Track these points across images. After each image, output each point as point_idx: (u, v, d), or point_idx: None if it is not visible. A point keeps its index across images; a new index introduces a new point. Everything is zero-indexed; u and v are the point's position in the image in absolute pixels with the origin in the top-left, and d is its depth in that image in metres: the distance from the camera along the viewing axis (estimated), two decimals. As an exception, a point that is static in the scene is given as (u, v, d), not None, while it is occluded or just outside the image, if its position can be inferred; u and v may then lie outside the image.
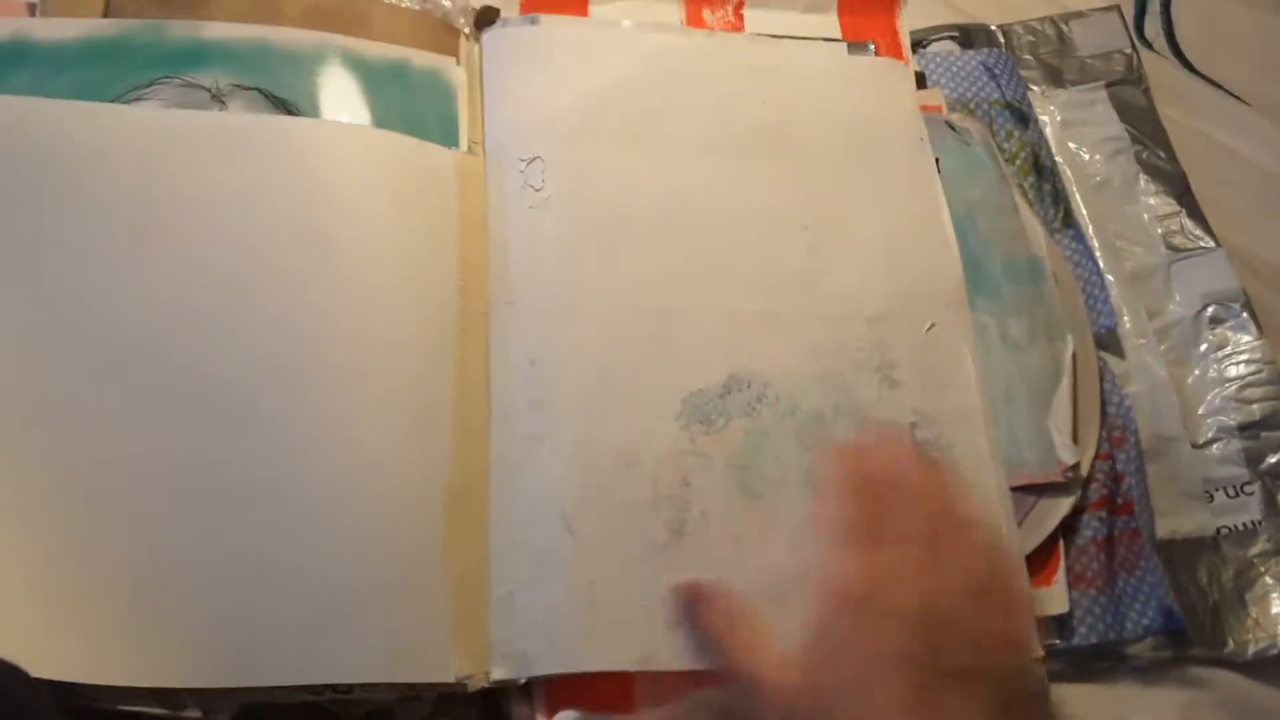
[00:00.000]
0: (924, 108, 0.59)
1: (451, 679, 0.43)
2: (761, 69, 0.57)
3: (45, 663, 0.39)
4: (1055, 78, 0.67)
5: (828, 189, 0.54)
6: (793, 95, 0.56)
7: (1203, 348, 0.58)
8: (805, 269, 0.52)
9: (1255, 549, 0.53)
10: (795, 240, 0.52)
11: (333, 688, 0.42)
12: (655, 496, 0.46)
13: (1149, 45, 0.70)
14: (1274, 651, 0.50)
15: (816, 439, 0.48)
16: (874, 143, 0.56)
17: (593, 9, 0.60)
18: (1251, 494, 0.54)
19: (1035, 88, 0.66)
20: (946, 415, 0.49)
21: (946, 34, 0.66)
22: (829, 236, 0.52)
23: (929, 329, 0.51)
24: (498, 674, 0.43)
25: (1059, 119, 0.65)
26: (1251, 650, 0.50)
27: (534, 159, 0.52)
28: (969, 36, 0.67)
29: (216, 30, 0.52)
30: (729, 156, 0.54)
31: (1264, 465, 0.55)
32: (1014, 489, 0.50)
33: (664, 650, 0.43)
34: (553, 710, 0.43)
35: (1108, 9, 0.69)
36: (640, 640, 0.43)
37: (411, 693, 0.44)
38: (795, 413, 0.48)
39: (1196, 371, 0.58)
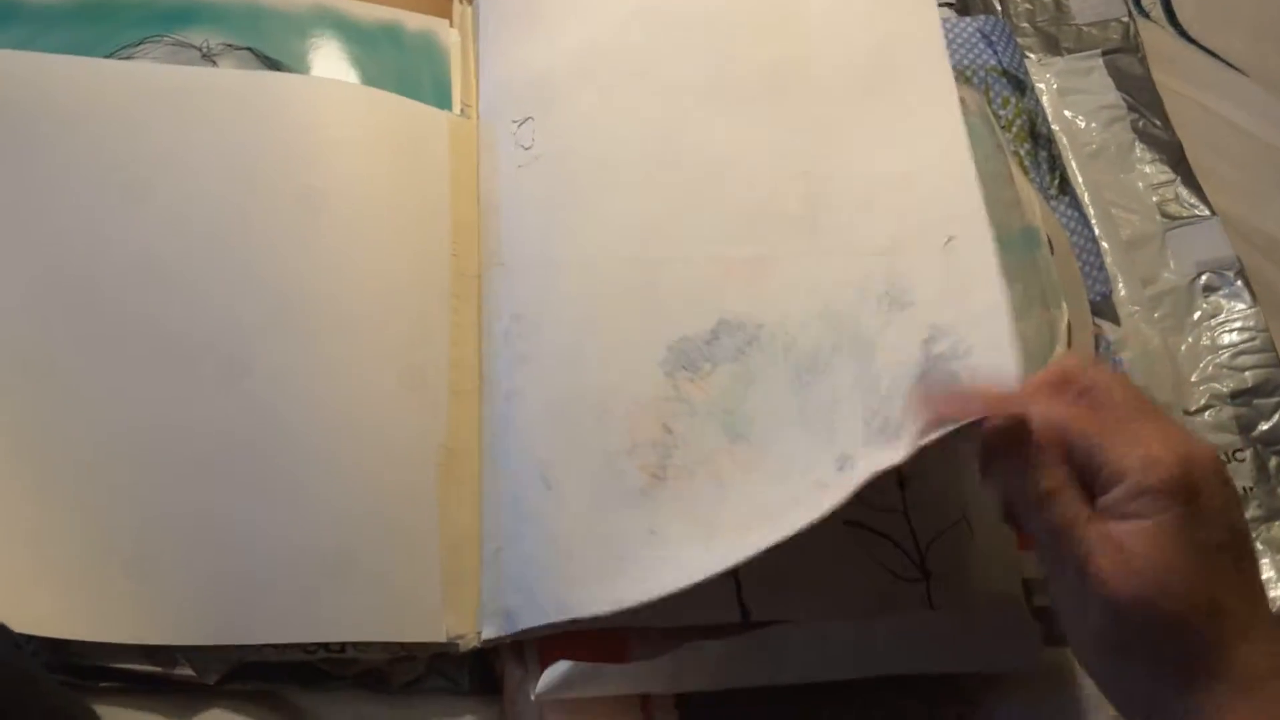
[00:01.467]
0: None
1: (444, 638, 0.43)
2: (767, 4, 0.53)
3: (39, 619, 0.39)
4: (1052, 45, 0.66)
5: (836, 124, 0.50)
6: (803, 28, 0.52)
7: (1196, 315, 0.58)
8: (802, 213, 0.49)
9: (1246, 515, 0.53)
10: (792, 185, 0.49)
11: (325, 646, 0.42)
12: (634, 444, 0.44)
13: (1145, 14, 0.69)
14: (1263, 616, 0.50)
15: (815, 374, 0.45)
16: (892, 66, 0.51)
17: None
18: (1243, 460, 0.54)
19: (1032, 55, 0.66)
20: (967, 317, 0.45)
21: (943, 1, 0.66)
22: (833, 175, 0.49)
23: (947, 243, 0.47)
24: (488, 632, 0.43)
25: (1055, 86, 0.65)
26: (1241, 614, 0.50)
27: (526, 119, 0.52)
28: (966, 3, 0.66)
29: (207, -11, 0.51)
30: (727, 101, 0.51)
31: (1256, 432, 0.55)
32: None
33: (636, 593, 0.41)
34: (546, 667, 0.43)
35: (1105, -23, 0.69)
36: (612, 586, 0.42)
37: (404, 653, 0.44)
38: (790, 352, 0.46)
39: (1190, 339, 0.58)
